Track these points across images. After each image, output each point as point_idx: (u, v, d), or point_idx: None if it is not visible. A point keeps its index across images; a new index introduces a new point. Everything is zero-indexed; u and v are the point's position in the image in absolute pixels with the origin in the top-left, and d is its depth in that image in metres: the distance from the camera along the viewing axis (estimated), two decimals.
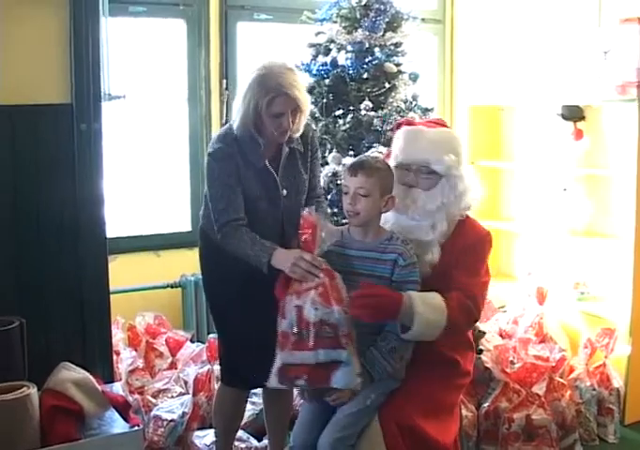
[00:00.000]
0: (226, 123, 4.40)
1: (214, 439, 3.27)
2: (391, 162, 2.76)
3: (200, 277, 3.17)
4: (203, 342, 3.90)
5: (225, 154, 2.79)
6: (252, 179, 2.81)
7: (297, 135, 2.87)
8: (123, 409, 2.78)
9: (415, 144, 2.73)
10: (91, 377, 2.78)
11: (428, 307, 2.52)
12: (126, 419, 2.73)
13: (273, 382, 2.51)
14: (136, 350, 3.77)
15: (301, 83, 2.80)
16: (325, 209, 3.09)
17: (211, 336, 3.64)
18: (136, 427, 2.70)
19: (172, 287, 4.30)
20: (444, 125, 2.89)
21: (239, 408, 3.16)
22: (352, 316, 2.46)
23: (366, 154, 3.43)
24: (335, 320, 2.43)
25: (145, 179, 4.48)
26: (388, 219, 2.73)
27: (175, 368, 3.74)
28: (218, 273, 2.95)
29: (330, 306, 2.44)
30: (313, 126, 3.62)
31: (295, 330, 2.47)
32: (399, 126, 2.88)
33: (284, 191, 2.87)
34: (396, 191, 2.66)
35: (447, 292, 2.59)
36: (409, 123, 2.89)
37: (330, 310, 2.44)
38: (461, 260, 2.66)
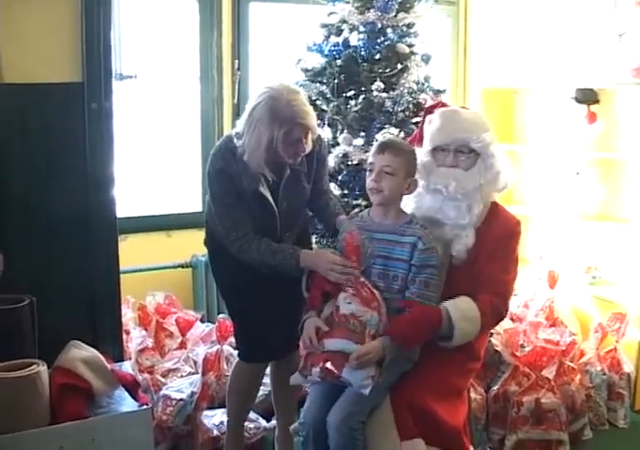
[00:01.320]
0: (237, 104, 4.45)
1: (222, 419, 3.29)
2: (427, 145, 2.74)
3: None
4: (213, 322, 3.89)
5: (223, 174, 2.75)
6: (250, 198, 2.78)
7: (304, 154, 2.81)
8: (132, 387, 2.80)
9: (454, 124, 2.71)
10: (100, 356, 2.81)
11: (467, 321, 2.56)
12: (135, 398, 2.76)
13: (294, 375, 2.57)
14: (146, 329, 3.78)
15: (308, 104, 2.75)
16: (337, 203, 3.09)
17: (221, 316, 3.64)
18: (145, 406, 2.72)
19: (182, 267, 4.32)
20: None
21: (255, 385, 3.16)
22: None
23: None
24: (366, 319, 2.47)
25: (157, 159, 4.49)
26: (423, 203, 2.71)
27: (185, 348, 3.75)
28: (224, 258, 2.90)
29: (368, 309, 2.49)
30: (324, 106, 3.62)
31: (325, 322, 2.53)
32: (430, 110, 2.86)
33: (284, 203, 2.85)
34: (436, 173, 2.67)
35: (478, 286, 2.63)
36: (443, 105, 2.88)
37: (365, 311, 2.48)
38: (495, 253, 2.67)
